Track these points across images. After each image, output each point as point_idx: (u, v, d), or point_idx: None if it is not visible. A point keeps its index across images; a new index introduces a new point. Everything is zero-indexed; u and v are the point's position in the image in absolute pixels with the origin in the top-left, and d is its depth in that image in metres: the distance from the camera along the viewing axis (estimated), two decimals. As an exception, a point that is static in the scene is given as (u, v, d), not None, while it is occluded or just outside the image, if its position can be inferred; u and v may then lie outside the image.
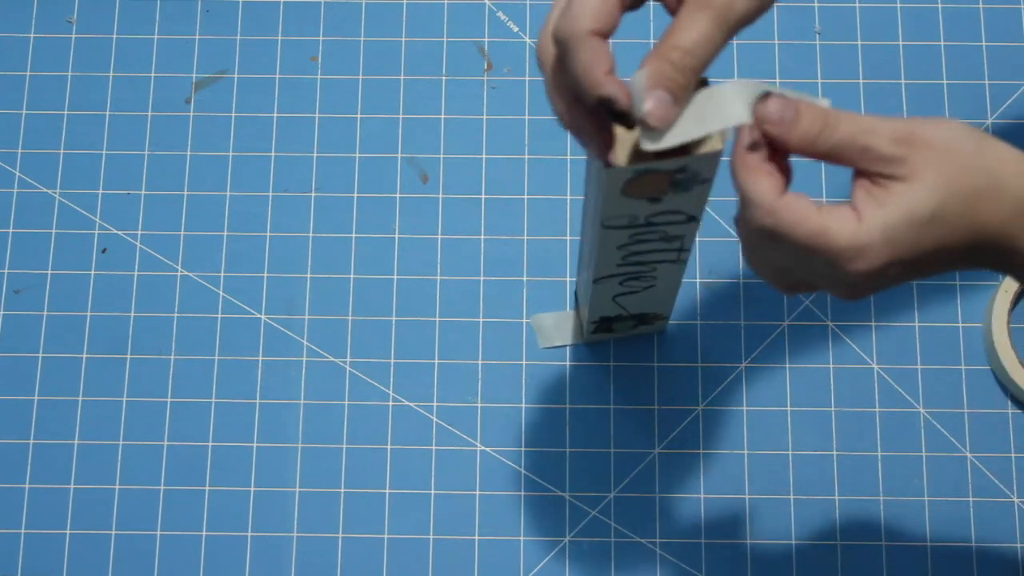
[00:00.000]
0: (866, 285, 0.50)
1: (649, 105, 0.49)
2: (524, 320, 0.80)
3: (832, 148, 0.49)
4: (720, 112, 0.50)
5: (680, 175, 0.54)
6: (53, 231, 0.82)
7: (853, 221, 0.48)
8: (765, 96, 0.50)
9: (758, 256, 0.53)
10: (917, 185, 0.47)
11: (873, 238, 0.48)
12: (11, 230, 0.82)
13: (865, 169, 0.49)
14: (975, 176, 0.48)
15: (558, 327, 0.80)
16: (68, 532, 0.77)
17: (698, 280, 0.81)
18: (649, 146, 0.50)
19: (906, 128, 0.48)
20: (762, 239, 0.51)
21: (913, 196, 0.47)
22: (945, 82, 0.84)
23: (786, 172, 0.51)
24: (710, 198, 0.58)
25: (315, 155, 0.84)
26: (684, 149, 0.52)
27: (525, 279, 0.81)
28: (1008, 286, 0.78)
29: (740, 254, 0.81)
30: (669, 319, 0.78)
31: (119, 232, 0.82)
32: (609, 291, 0.69)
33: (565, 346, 0.80)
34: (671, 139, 0.50)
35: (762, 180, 0.49)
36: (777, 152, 0.50)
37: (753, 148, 0.50)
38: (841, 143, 0.49)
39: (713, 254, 0.81)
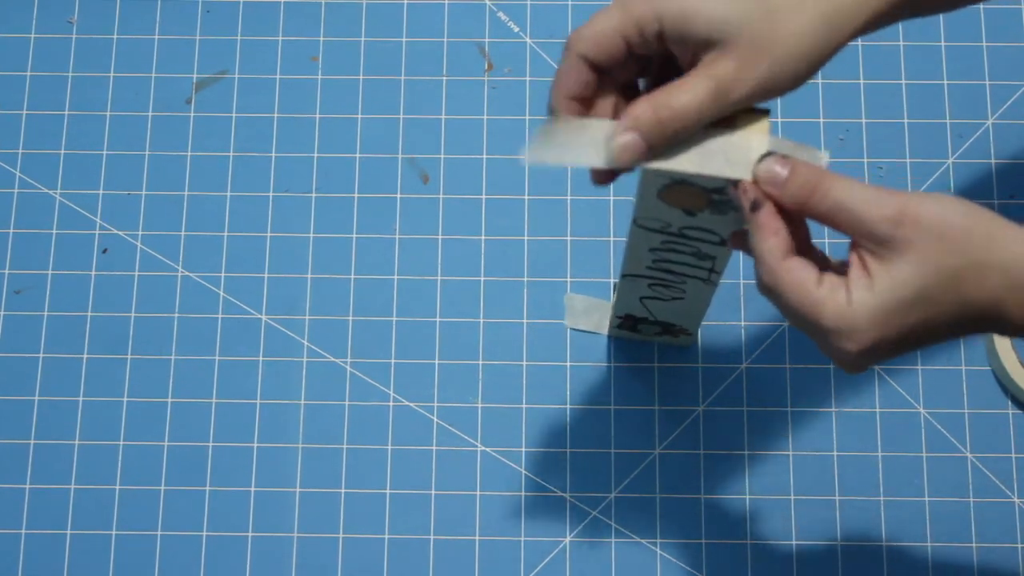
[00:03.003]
0: (856, 362, 0.51)
1: (619, 143, 0.51)
2: (524, 320, 0.80)
3: (824, 212, 0.50)
4: (726, 161, 0.51)
5: (716, 195, 0.54)
6: (53, 231, 0.82)
7: (843, 302, 0.49)
8: (765, 155, 0.50)
9: (774, 303, 0.54)
10: (903, 267, 0.48)
11: (859, 323, 0.49)
12: (11, 230, 0.82)
13: (857, 240, 0.50)
14: (961, 256, 0.48)
15: (588, 312, 0.80)
16: (68, 532, 0.77)
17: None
18: (653, 165, 0.52)
19: (897, 205, 0.48)
20: (767, 292, 0.52)
21: (898, 278, 0.48)
22: (945, 82, 0.84)
23: (805, 228, 0.52)
24: None
25: (315, 155, 0.84)
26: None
27: (525, 279, 0.81)
28: None
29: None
30: (696, 337, 0.78)
31: (119, 232, 0.82)
32: (637, 290, 0.69)
33: (588, 332, 0.80)
34: (671, 163, 0.51)
35: (768, 239, 0.51)
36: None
37: (754, 208, 0.51)
38: (833, 209, 0.49)
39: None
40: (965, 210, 0.49)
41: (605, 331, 0.79)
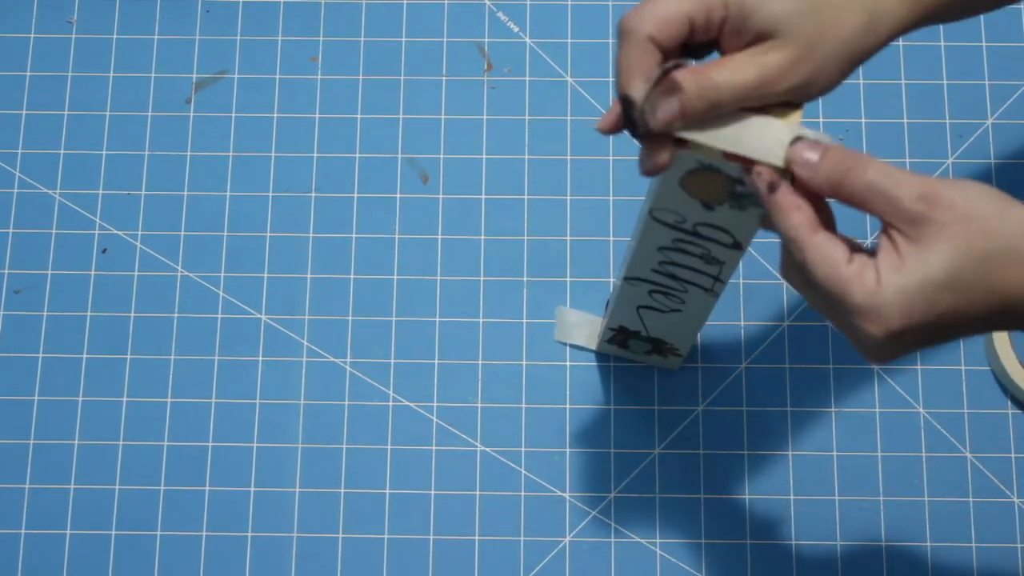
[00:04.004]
0: (885, 349, 0.50)
1: (657, 102, 0.50)
2: (524, 320, 0.80)
3: (857, 192, 0.49)
4: (758, 143, 0.51)
5: (740, 187, 0.54)
6: (53, 231, 0.82)
7: (872, 282, 0.49)
8: (797, 139, 0.51)
9: (799, 289, 0.53)
10: (934, 248, 0.48)
11: (888, 302, 0.48)
12: (11, 230, 0.82)
13: (889, 222, 0.49)
14: (993, 241, 0.47)
15: (578, 326, 0.79)
16: (68, 532, 0.77)
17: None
18: (686, 134, 0.52)
19: (931, 187, 0.48)
20: (792, 273, 0.52)
21: (929, 260, 0.48)
22: (945, 82, 0.84)
23: (827, 213, 0.52)
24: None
25: (315, 155, 0.84)
26: (749, 160, 0.52)
27: (525, 279, 0.81)
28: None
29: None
30: (684, 359, 0.77)
31: (119, 232, 0.82)
32: (636, 297, 0.69)
33: (577, 347, 0.80)
34: (706, 137, 0.52)
35: (792, 215, 0.50)
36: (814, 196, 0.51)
37: (772, 189, 0.51)
38: (867, 189, 0.49)
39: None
40: (999, 196, 0.48)
41: (594, 346, 0.79)
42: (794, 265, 0.52)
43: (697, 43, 0.53)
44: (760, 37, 0.51)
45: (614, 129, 0.53)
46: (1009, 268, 0.47)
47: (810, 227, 0.50)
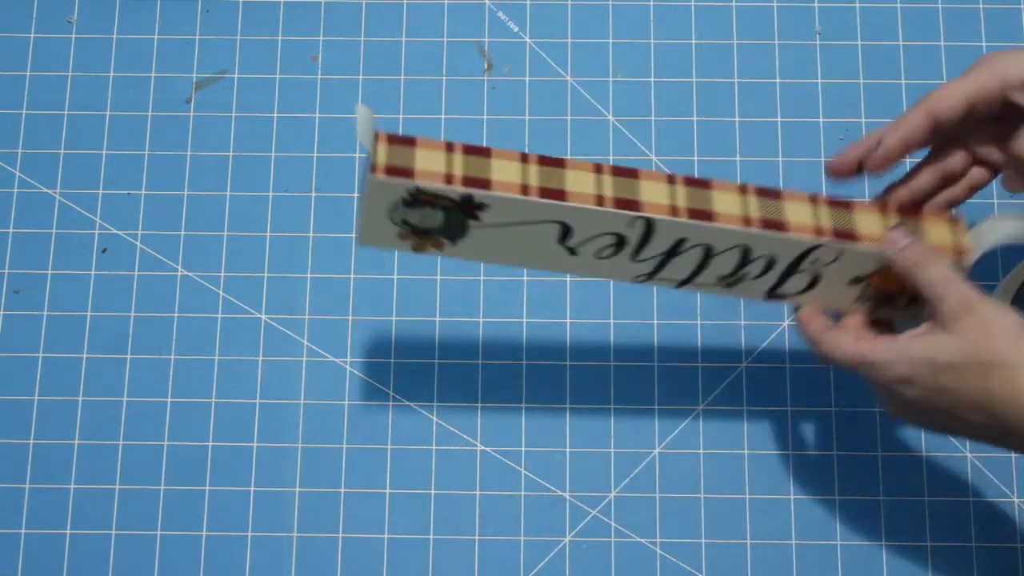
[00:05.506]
0: (899, 399, 0.62)
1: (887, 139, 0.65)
2: (524, 320, 0.81)
3: (920, 281, 0.61)
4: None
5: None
6: (53, 231, 0.82)
7: (887, 344, 0.61)
8: (896, 224, 0.64)
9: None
10: (952, 342, 0.59)
11: (892, 355, 0.61)
12: (11, 230, 0.82)
13: (931, 312, 0.61)
14: (998, 354, 0.58)
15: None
16: (68, 532, 0.77)
17: (698, 280, 0.81)
18: None
19: (973, 299, 0.59)
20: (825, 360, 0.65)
21: (943, 346, 0.59)
22: (945, 82, 0.84)
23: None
24: None
25: (315, 155, 0.84)
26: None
27: (525, 279, 0.81)
28: (1008, 286, 0.78)
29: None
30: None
31: (119, 232, 0.82)
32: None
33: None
34: None
35: (809, 324, 0.65)
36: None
37: (795, 309, 0.67)
38: (927, 282, 0.61)
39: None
40: (1019, 326, 0.59)
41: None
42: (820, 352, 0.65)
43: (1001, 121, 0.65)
44: None
45: (846, 171, 0.66)
46: (1004, 380, 0.58)
47: (824, 328, 0.64)
